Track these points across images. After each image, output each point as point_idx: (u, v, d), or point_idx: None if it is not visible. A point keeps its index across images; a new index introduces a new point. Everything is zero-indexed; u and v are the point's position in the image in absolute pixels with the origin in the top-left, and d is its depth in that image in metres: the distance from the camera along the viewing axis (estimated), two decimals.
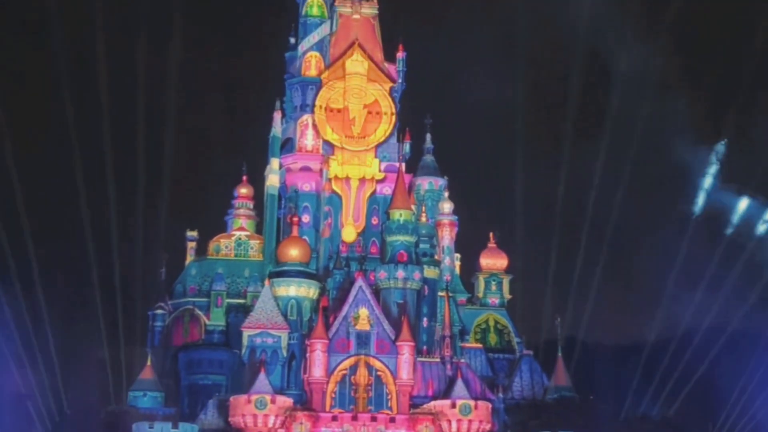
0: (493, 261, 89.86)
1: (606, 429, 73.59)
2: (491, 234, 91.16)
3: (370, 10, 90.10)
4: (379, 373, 74.99)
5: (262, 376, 73.71)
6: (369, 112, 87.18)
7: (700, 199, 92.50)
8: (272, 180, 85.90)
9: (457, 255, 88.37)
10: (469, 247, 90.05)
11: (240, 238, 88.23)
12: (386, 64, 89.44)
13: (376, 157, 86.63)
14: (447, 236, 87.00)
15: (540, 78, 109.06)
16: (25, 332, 77.07)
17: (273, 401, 72.58)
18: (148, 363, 79.11)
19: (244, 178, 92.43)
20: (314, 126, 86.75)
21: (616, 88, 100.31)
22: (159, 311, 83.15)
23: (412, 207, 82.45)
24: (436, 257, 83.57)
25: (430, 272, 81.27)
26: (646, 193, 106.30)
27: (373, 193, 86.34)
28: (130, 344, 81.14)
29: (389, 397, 74.55)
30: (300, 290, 79.35)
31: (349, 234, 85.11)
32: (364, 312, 76.14)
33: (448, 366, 77.00)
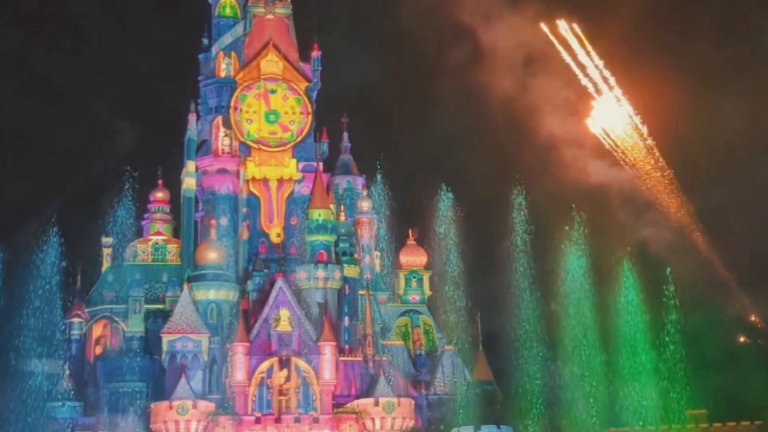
0: (413, 258, 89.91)
1: (528, 423, 74.07)
2: (410, 231, 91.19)
3: (283, 10, 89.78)
4: (302, 374, 74.78)
5: (183, 381, 73.19)
6: (285, 113, 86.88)
7: None
8: (189, 183, 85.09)
9: (377, 253, 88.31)
10: (388, 244, 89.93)
11: (157, 243, 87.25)
12: (301, 64, 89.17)
13: (293, 157, 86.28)
14: (366, 234, 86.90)
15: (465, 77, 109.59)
16: None
17: (195, 406, 72.15)
18: (66, 372, 77.95)
19: (160, 182, 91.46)
20: (230, 127, 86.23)
21: None
22: (75, 320, 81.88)
23: (331, 206, 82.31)
24: (355, 256, 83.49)
25: (350, 271, 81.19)
26: None
27: (292, 193, 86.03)
28: (46, 354, 79.83)
29: (313, 397, 74.40)
30: (219, 293, 78.66)
31: (276, 235, 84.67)
32: (285, 313, 75.95)
33: (371, 364, 77.05)
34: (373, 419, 73.31)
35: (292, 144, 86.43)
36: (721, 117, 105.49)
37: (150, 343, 79.99)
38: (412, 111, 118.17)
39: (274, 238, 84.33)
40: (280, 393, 74.32)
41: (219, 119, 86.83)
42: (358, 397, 75.09)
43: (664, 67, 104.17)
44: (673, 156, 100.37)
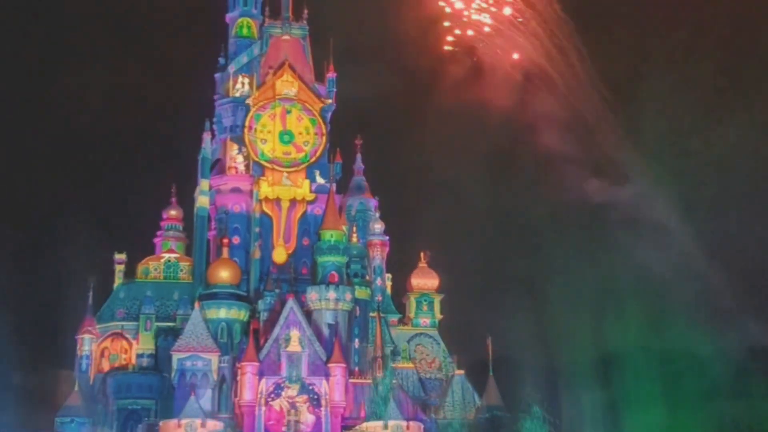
0: (424, 281, 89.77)
1: None
2: (422, 254, 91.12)
3: (299, 31, 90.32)
4: (312, 395, 74.58)
5: (192, 399, 73.01)
6: (299, 133, 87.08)
7: None
8: (202, 201, 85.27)
9: (389, 275, 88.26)
10: (400, 267, 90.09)
11: (169, 260, 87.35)
12: (316, 85, 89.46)
13: (306, 177, 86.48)
14: (378, 256, 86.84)
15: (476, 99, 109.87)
16: None
17: (203, 425, 71.93)
18: (76, 388, 77.91)
19: (173, 199, 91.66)
20: (244, 147, 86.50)
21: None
22: (86, 335, 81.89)
23: (343, 227, 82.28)
24: (367, 278, 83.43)
25: (361, 293, 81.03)
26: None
27: (304, 213, 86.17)
28: (56, 370, 79.97)
29: (322, 419, 74.15)
30: (230, 313, 78.68)
31: (279, 255, 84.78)
32: (295, 334, 75.71)
33: (380, 387, 76.74)
34: None
35: (305, 164, 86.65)
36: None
37: (160, 360, 79.99)
38: (425, 131, 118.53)
39: (284, 259, 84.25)
40: (291, 407, 73.93)
41: (233, 138, 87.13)
42: (367, 419, 74.72)
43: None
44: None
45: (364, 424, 74.07)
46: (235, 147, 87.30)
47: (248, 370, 74.05)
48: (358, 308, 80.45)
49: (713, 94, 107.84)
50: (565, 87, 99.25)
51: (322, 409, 74.13)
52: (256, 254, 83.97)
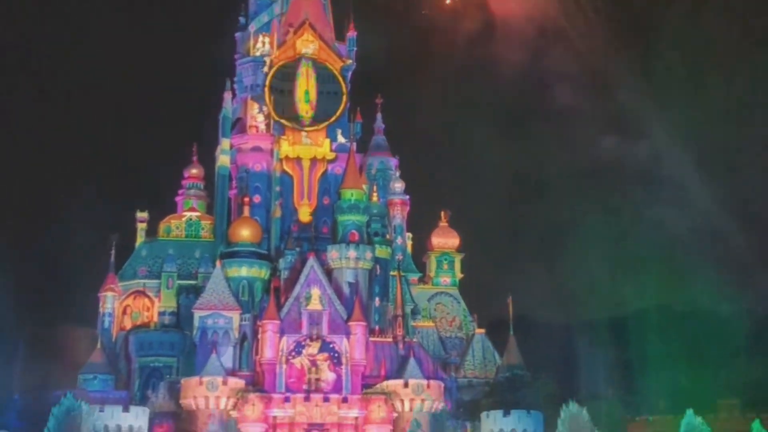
0: (445, 240, 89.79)
1: (557, 407, 73.95)
2: (443, 213, 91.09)
3: None
4: (331, 353, 74.83)
5: (213, 357, 73.42)
6: (320, 92, 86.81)
7: None
8: (223, 160, 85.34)
9: (409, 234, 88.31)
10: (420, 226, 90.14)
11: (191, 219, 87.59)
12: (337, 44, 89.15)
13: (327, 137, 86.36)
14: (398, 215, 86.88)
15: (492, 57, 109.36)
16: None
17: (224, 383, 72.39)
18: (98, 346, 78.47)
19: (195, 158, 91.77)
20: (265, 106, 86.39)
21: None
22: (109, 293, 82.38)
23: (364, 187, 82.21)
24: (387, 237, 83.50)
25: (381, 252, 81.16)
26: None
27: (325, 172, 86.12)
28: (79, 327, 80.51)
29: (342, 377, 74.45)
30: (251, 271, 78.92)
31: (305, 214, 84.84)
32: (315, 292, 75.89)
33: (401, 345, 77.06)
34: (402, 400, 73.28)
35: (326, 123, 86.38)
36: None
37: (181, 318, 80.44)
38: (444, 89, 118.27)
39: (305, 217, 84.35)
40: (312, 365, 74.21)
41: (254, 97, 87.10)
42: (387, 378, 75.03)
43: None
44: None
45: (385, 383, 74.37)
46: (256, 106, 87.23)
47: (269, 328, 74.36)
48: (378, 267, 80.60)
49: (732, 45, 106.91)
50: (580, 41, 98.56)
51: (343, 367, 74.40)
52: (277, 213, 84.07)
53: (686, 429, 69.48)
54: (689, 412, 70.08)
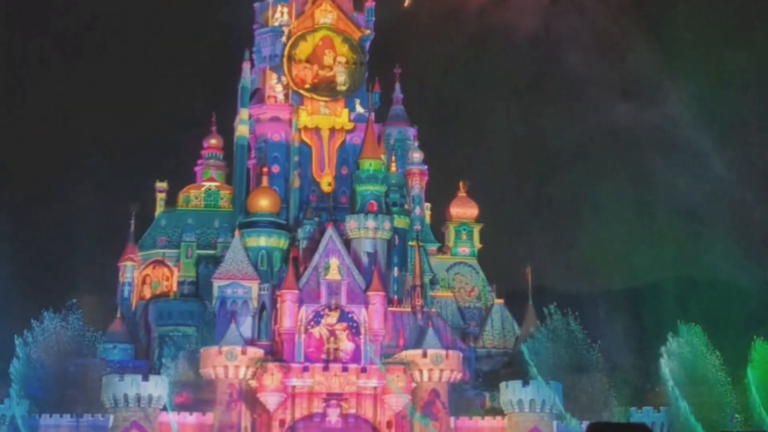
0: (463, 210, 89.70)
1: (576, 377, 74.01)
2: (461, 183, 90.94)
3: None
4: (351, 323, 74.89)
5: (232, 327, 73.56)
6: (338, 62, 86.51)
7: None
8: (241, 130, 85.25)
9: (428, 204, 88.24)
10: (439, 196, 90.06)
11: (210, 189, 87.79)
12: (355, 14, 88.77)
13: (345, 107, 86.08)
14: (417, 185, 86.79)
15: (509, 25, 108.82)
16: None
17: (244, 352, 72.58)
18: (118, 315, 78.82)
19: (214, 128, 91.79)
20: (283, 76, 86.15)
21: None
22: (128, 263, 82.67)
23: (382, 157, 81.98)
24: (406, 207, 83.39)
25: (400, 222, 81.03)
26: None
27: (343, 143, 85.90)
28: (99, 297, 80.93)
29: (361, 347, 74.54)
30: (270, 241, 78.94)
31: (319, 184, 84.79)
32: (334, 262, 75.84)
33: (419, 315, 77.05)
34: (420, 370, 73.28)
35: (344, 94, 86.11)
36: None
37: (201, 288, 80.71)
38: (462, 59, 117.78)
39: (325, 187, 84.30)
40: (330, 335, 74.32)
41: (272, 67, 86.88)
42: (406, 348, 75.09)
43: None
44: None
45: (404, 353, 74.43)
46: (274, 76, 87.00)
47: (288, 297, 74.44)
48: (396, 237, 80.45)
49: (749, 10, 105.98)
50: (597, 7, 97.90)
51: (361, 336, 74.47)
52: (296, 183, 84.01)
53: None
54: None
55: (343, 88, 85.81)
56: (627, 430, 19.84)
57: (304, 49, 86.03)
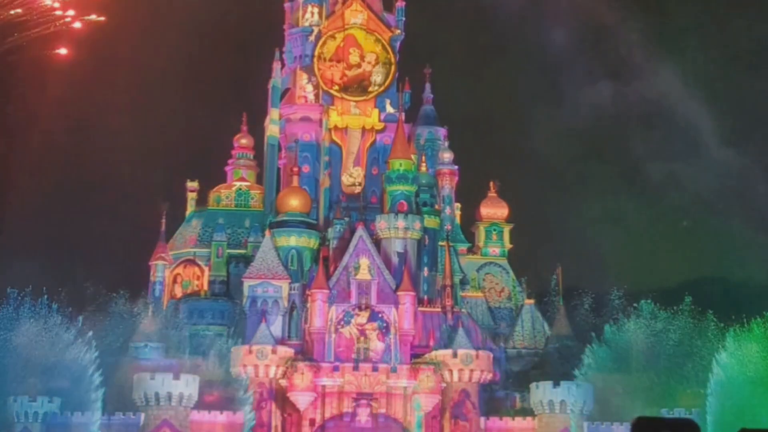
0: (494, 210, 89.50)
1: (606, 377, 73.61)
2: (491, 183, 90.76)
3: None
4: (380, 322, 74.84)
5: (263, 326, 73.71)
6: (368, 63, 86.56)
7: None
8: (272, 130, 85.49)
9: (458, 204, 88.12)
10: (469, 196, 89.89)
11: (240, 189, 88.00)
12: (385, 14, 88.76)
13: (375, 107, 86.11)
14: (447, 185, 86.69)
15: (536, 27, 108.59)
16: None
17: (274, 351, 72.68)
18: (149, 314, 79.07)
19: (244, 128, 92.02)
20: (313, 76, 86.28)
21: None
22: (159, 262, 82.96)
23: (412, 157, 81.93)
24: (436, 207, 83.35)
25: (430, 222, 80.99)
26: None
27: (373, 143, 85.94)
28: (131, 296, 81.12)
29: (391, 347, 74.51)
30: (300, 240, 79.09)
31: (349, 184, 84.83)
32: (364, 262, 75.87)
33: (449, 316, 76.96)
34: (450, 371, 73.13)
35: (375, 93, 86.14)
36: None
37: (231, 287, 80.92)
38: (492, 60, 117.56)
39: (355, 187, 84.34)
40: (360, 335, 74.30)
41: (303, 67, 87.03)
42: (436, 348, 74.98)
43: None
44: None
45: (434, 353, 74.33)
46: (305, 76, 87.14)
47: (318, 297, 74.50)
48: (427, 237, 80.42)
49: None
50: None
51: (391, 336, 74.44)
52: (326, 183, 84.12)
53: None
54: None
55: (374, 88, 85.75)
56: (674, 425, 19.62)
57: (331, 48, 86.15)
